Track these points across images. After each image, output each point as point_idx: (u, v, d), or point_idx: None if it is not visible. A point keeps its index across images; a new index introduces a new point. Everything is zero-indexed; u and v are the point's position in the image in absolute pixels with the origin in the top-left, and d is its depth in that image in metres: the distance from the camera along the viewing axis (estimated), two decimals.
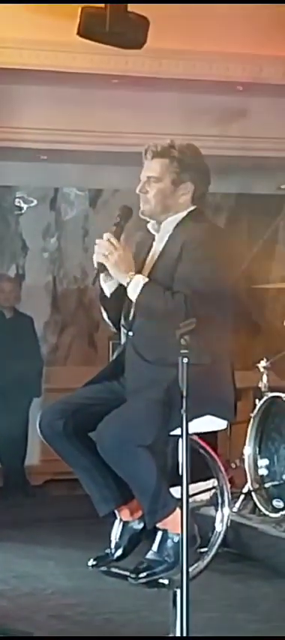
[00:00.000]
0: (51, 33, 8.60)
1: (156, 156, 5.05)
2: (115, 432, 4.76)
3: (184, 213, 5.07)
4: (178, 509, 4.82)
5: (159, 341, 4.76)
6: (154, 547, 4.90)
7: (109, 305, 5.15)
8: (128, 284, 4.88)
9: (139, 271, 5.03)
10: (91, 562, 5.04)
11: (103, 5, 7.51)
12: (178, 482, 4.68)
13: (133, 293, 4.89)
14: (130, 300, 5.02)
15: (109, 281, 5.08)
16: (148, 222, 5.14)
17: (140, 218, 5.12)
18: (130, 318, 5.04)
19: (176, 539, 4.82)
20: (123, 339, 5.13)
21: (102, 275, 5.05)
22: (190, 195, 5.06)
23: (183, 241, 4.92)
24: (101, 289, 5.15)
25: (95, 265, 5.00)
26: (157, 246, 5.09)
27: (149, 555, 4.90)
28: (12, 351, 9.86)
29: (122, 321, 5.12)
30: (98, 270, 5.00)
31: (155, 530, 4.93)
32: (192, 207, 5.08)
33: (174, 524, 4.83)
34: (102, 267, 4.99)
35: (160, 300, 4.84)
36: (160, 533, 4.89)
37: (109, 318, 5.20)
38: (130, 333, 5.02)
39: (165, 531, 4.87)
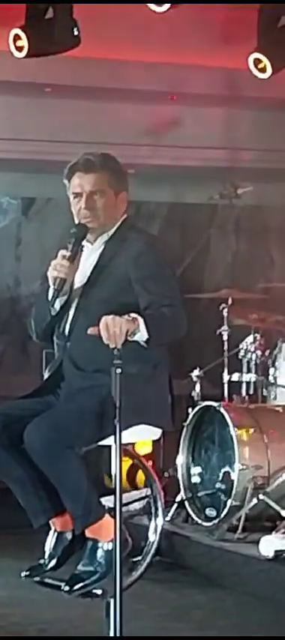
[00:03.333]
0: None
1: (91, 168, 5.03)
2: (43, 433, 4.75)
3: (117, 224, 5.10)
4: (107, 517, 4.83)
5: (97, 351, 4.75)
6: (85, 557, 4.89)
7: (54, 319, 5.07)
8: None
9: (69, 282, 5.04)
10: (24, 572, 5.03)
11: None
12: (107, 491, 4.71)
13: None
14: (66, 312, 5.02)
15: (61, 296, 5.03)
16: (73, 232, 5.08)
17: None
18: (67, 329, 5.04)
19: (106, 547, 4.82)
20: (57, 351, 5.11)
21: (56, 291, 4.98)
22: (125, 204, 5.12)
23: (128, 251, 4.94)
24: (52, 304, 5.02)
25: (52, 282, 4.96)
26: (90, 258, 5.08)
27: (81, 566, 4.89)
28: None
29: (56, 332, 5.10)
30: (58, 291, 4.94)
31: (86, 540, 4.93)
32: (122, 218, 5.12)
33: (104, 532, 4.84)
34: (61, 285, 4.95)
35: (164, 328, 4.82)
36: (90, 543, 4.88)
37: (36, 331, 5.15)
38: (68, 344, 5.02)
39: (95, 540, 4.86)
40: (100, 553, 4.85)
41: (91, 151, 5.12)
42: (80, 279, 5.08)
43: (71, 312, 5.05)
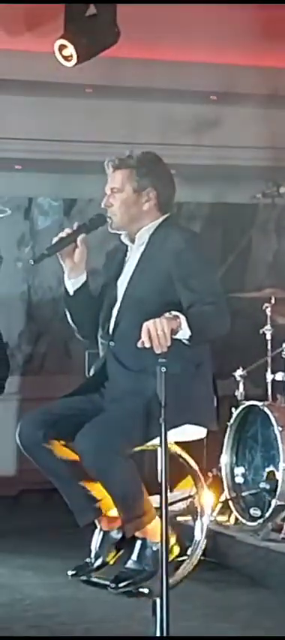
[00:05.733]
0: (25, 42, 8.60)
1: (116, 168, 5.12)
2: (94, 439, 4.75)
3: (158, 221, 5.11)
4: (157, 518, 4.82)
5: (140, 350, 4.74)
6: (134, 556, 4.90)
7: (71, 304, 5.16)
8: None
9: (116, 279, 5.10)
10: (70, 572, 5.04)
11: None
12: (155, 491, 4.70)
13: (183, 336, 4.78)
14: (109, 310, 5.05)
15: (73, 278, 5.11)
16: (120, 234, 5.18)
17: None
18: (111, 328, 5.05)
19: (155, 547, 4.83)
20: (101, 351, 5.13)
21: (65, 271, 5.09)
22: (153, 201, 5.12)
23: (169, 249, 4.94)
24: (65, 288, 5.17)
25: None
26: (134, 257, 5.12)
27: (129, 564, 4.90)
28: None
29: (100, 332, 5.12)
30: (47, 250, 5.02)
31: (134, 539, 4.93)
32: (164, 216, 5.13)
33: (153, 532, 4.84)
34: (52, 250, 5.02)
35: (207, 326, 4.82)
36: (139, 542, 4.90)
37: (72, 319, 5.20)
38: (112, 343, 5.03)
39: (144, 540, 4.88)
40: (148, 552, 4.87)
41: (130, 150, 5.18)
42: (124, 278, 5.10)
43: (115, 311, 5.08)
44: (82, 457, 4.79)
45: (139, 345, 4.62)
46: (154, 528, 4.84)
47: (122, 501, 4.87)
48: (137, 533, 4.89)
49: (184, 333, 4.68)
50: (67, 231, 5.07)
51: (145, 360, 4.75)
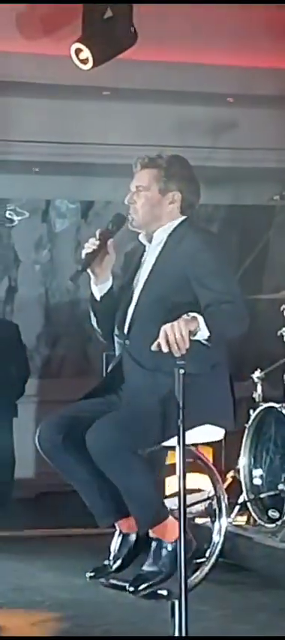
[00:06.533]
0: (42, 45, 8.63)
1: (144, 167, 5.13)
2: (103, 435, 4.76)
3: (176, 222, 5.11)
4: (171, 518, 4.83)
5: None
6: (150, 558, 4.90)
7: (98, 309, 5.17)
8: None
9: (133, 278, 5.10)
10: (89, 573, 5.05)
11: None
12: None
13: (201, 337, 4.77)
14: (126, 308, 5.05)
15: (101, 284, 5.12)
16: (139, 233, 5.19)
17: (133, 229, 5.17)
18: (126, 327, 5.06)
19: (170, 547, 4.83)
20: (117, 350, 5.14)
21: (92, 277, 5.10)
22: (177, 204, 5.12)
23: (186, 250, 4.94)
24: (91, 293, 5.18)
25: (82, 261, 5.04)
26: (150, 257, 5.12)
27: (146, 566, 4.90)
28: None
29: (116, 331, 5.14)
30: (81, 267, 5.02)
31: (150, 540, 4.94)
32: (183, 217, 5.13)
33: (167, 532, 4.84)
34: (86, 266, 5.02)
35: (225, 325, 4.82)
36: (154, 543, 4.90)
37: (98, 324, 5.21)
38: (127, 342, 5.04)
39: (159, 540, 4.87)
40: (164, 553, 4.86)
41: (160, 151, 5.20)
42: (141, 278, 5.11)
43: (130, 310, 5.08)
44: (91, 452, 4.79)
45: (153, 348, 4.62)
46: (168, 528, 4.84)
47: (134, 500, 4.86)
48: (152, 534, 4.89)
49: (202, 334, 4.68)
50: (95, 242, 5.05)
51: (160, 358, 4.73)
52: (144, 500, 4.84)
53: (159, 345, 4.60)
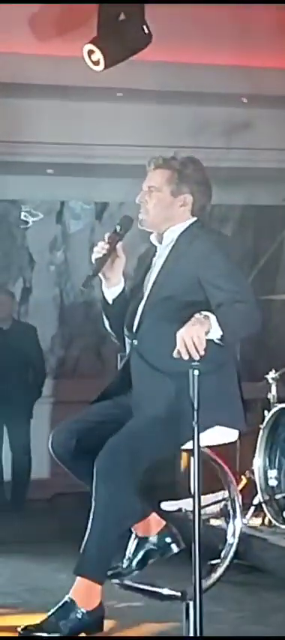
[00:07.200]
0: (56, 47, 8.64)
1: (158, 167, 5.13)
2: (105, 463, 4.78)
3: (186, 223, 5.10)
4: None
5: (165, 347, 4.75)
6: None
7: (111, 312, 5.18)
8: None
9: (142, 282, 5.11)
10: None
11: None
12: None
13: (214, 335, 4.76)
14: (136, 308, 5.04)
15: (113, 287, 5.12)
16: (151, 233, 5.18)
17: (145, 231, 5.16)
18: (135, 326, 5.05)
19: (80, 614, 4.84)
20: (127, 350, 5.14)
21: (104, 280, 5.10)
22: (188, 207, 5.12)
23: (196, 251, 4.93)
24: (103, 296, 5.18)
25: (93, 266, 5.04)
26: (161, 257, 5.12)
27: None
28: (10, 362, 9.87)
29: (125, 331, 5.13)
30: (93, 273, 5.02)
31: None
32: (194, 219, 5.12)
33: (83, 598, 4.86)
34: (96, 271, 5.02)
35: (238, 324, 4.82)
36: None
37: (111, 326, 5.22)
38: (135, 342, 5.03)
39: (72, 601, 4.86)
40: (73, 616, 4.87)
41: (174, 152, 5.20)
42: (151, 278, 5.11)
43: (140, 310, 5.07)
44: (95, 471, 4.80)
45: (175, 355, 4.60)
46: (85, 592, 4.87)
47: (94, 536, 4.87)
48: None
49: (215, 333, 4.67)
50: (105, 246, 5.05)
51: (168, 358, 4.73)
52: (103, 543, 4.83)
53: (179, 353, 4.59)
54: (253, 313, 4.82)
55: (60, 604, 4.86)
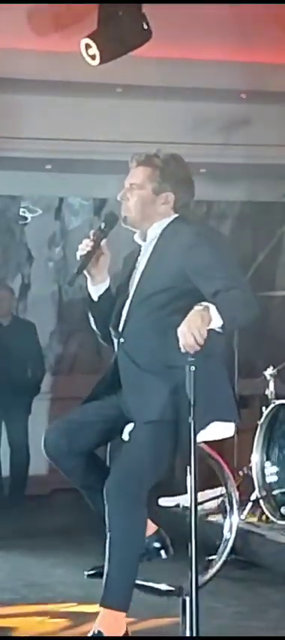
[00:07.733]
0: (54, 43, 8.63)
1: (140, 164, 5.07)
2: (115, 487, 4.75)
3: (168, 220, 5.04)
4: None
5: (151, 343, 4.77)
6: None
7: (96, 310, 5.15)
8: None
9: (128, 281, 5.08)
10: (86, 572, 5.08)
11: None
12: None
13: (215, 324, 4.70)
14: (121, 307, 5.03)
15: (98, 284, 5.10)
16: (135, 233, 5.15)
17: (130, 231, 5.14)
18: (121, 324, 5.02)
19: None
20: (116, 349, 5.09)
21: (89, 278, 5.08)
22: (170, 204, 5.06)
23: (180, 244, 4.88)
24: (88, 294, 5.16)
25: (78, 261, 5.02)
26: (145, 255, 5.07)
27: None
28: (9, 358, 9.87)
29: (111, 330, 5.09)
30: (77, 270, 5.01)
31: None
32: (176, 215, 5.06)
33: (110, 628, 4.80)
34: (82, 268, 5.00)
35: (236, 311, 4.76)
36: None
37: (96, 325, 5.21)
38: (122, 340, 5.00)
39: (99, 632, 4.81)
40: None
41: (157, 150, 5.14)
42: (136, 275, 5.08)
43: (126, 309, 5.04)
44: (106, 498, 4.78)
45: (183, 350, 4.57)
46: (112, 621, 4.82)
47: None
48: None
49: (216, 322, 4.64)
50: (89, 243, 5.02)
51: (154, 356, 4.73)
52: (124, 570, 4.81)
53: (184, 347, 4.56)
54: (249, 298, 4.76)
55: (88, 636, 4.79)
